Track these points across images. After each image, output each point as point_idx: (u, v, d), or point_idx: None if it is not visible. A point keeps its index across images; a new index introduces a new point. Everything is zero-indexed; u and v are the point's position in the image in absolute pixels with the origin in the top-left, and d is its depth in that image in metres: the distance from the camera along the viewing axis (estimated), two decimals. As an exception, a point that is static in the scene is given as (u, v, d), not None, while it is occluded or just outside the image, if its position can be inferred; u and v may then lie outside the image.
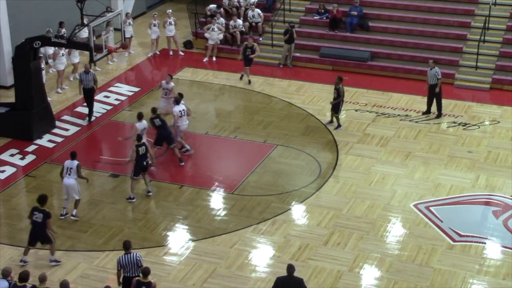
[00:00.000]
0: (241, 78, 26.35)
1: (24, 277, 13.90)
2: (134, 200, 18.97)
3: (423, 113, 23.43)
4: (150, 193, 19.20)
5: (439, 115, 23.28)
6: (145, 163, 18.86)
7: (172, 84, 22.38)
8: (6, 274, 14.09)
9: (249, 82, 26.03)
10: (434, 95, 23.21)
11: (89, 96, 23.19)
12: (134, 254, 14.60)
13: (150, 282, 13.82)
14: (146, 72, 27.77)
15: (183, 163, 20.68)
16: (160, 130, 20.39)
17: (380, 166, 20.58)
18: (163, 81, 22.47)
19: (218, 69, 27.67)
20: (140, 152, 18.70)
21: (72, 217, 18.22)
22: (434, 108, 23.45)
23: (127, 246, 14.70)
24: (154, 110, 20.56)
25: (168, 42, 28.91)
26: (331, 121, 22.84)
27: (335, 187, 19.53)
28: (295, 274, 13.99)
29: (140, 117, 20.12)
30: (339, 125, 22.60)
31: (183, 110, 20.86)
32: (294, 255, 16.77)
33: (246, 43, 26.29)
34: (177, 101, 20.87)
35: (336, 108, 22.48)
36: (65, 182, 18.05)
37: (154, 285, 13.88)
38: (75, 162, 18.01)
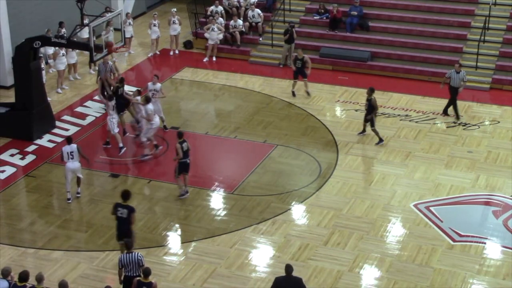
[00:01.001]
0: (293, 94, 24.93)
1: (24, 277, 13.89)
2: (187, 195, 19.02)
3: (442, 114, 23.29)
4: (187, 194, 19.18)
5: (445, 113, 23.30)
6: (188, 161, 18.84)
7: (159, 84, 22.33)
8: (6, 274, 14.08)
9: (308, 93, 24.81)
10: (455, 96, 23.09)
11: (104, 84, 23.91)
12: (136, 253, 14.60)
13: (151, 282, 13.82)
14: (146, 72, 27.75)
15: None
16: (118, 99, 21.43)
17: (380, 166, 20.58)
18: (149, 83, 22.40)
19: (218, 69, 27.67)
20: (184, 148, 18.69)
21: (77, 195, 19.01)
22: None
23: (129, 246, 14.71)
24: (121, 80, 21.91)
25: (171, 42, 28.92)
26: (364, 131, 22.01)
27: (335, 187, 19.53)
28: (294, 273, 14.00)
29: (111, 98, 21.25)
30: (380, 140, 21.57)
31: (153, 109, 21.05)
32: (294, 255, 16.77)
33: (296, 54, 24.92)
34: (147, 100, 20.85)
35: (372, 122, 21.56)
36: (70, 166, 18.71)
37: (155, 286, 13.86)
38: (74, 146, 18.73)
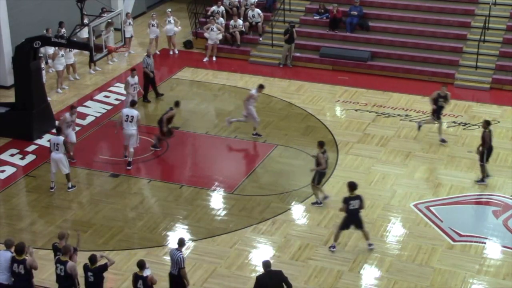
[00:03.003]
0: (444, 141, 21.66)
1: (20, 249, 14.16)
2: (322, 204, 18.66)
3: None
4: (328, 198, 18.77)
5: None
6: (326, 170, 18.80)
7: (259, 94, 22.23)
8: (9, 245, 14.43)
9: (443, 140, 21.54)
10: None
11: (150, 78, 24.83)
12: (178, 252, 14.46)
13: (146, 276, 13.79)
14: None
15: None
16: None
17: (380, 166, 20.58)
18: (253, 91, 22.04)
19: (218, 69, 27.68)
20: (326, 158, 18.54)
21: (68, 190, 19.37)
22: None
23: (178, 242, 14.67)
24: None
25: (168, 42, 28.94)
26: (485, 177, 19.52)
27: (335, 187, 19.51)
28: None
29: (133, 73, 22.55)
30: (483, 178, 19.52)
31: (133, 116, 20.22)
32: (294, 255, 16.77)
33: (439, 92, 21.34)
34: (132, 104, 20.80)
35: (482, 156, 19.46)
36: (53, 156, 19.06)
37: (150, 279, 13.81)
38: (61, 138, 18.99)
